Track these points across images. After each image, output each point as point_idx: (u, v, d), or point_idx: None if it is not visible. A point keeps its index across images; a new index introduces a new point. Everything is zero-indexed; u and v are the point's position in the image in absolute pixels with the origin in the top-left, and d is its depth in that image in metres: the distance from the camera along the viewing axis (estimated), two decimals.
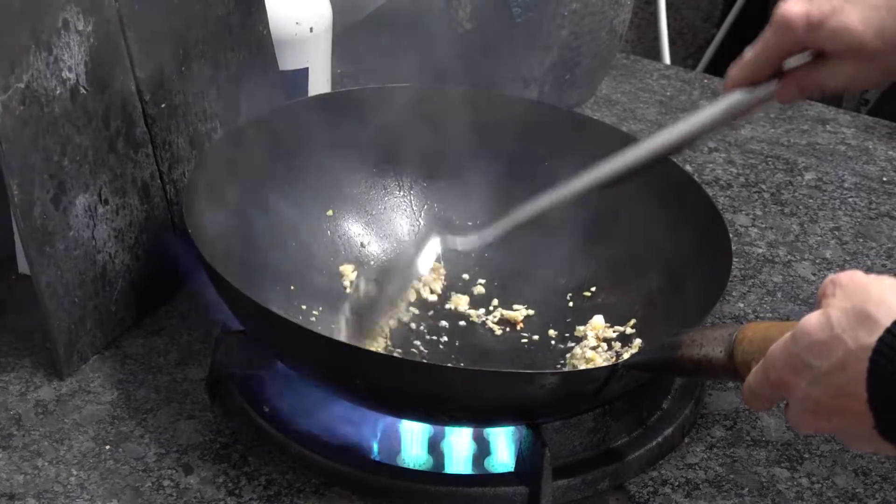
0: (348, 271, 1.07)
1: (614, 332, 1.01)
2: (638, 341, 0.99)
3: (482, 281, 1.08)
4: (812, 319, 0.69)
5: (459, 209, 1.12)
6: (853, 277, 0.70)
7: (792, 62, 0.85)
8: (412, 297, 1.05)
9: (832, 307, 0.69)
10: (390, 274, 1.02)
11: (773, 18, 0.83)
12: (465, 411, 0.90)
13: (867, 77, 0.84)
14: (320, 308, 1.03)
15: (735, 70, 0.86)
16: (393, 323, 1.01)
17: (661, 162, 0.92)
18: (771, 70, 0.85)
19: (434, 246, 0.99)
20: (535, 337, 1.03)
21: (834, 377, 0.68)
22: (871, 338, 0.66)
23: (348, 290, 1.05)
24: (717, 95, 1.44)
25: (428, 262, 1.00)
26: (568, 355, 1.00)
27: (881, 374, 0.66)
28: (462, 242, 1.00)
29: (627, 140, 1.10)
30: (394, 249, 1.10)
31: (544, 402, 0.87)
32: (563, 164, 1.07)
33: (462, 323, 1.04)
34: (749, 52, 0.86)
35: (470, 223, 1.11)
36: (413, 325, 1.03)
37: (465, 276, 1.08)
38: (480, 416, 0.91)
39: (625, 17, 1.34)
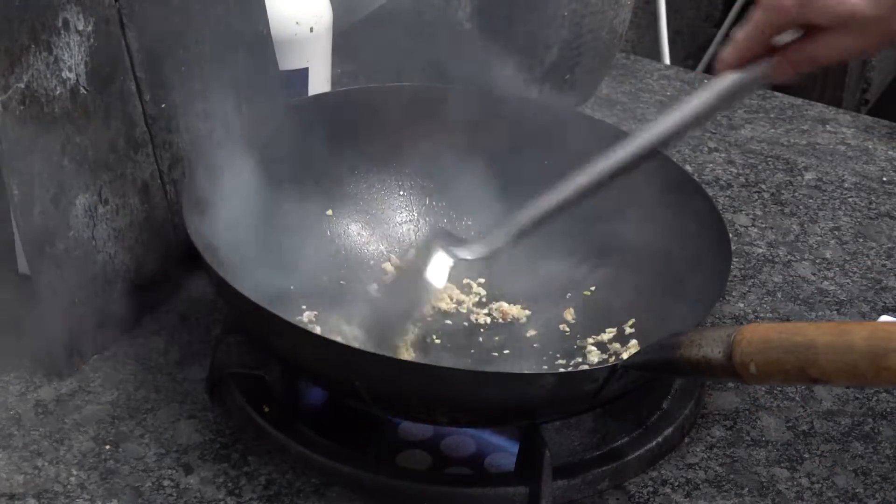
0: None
1: (613, 332, 1.01)
2: (635, 342, 0.99)
3: (481, 280, 1.08)
4: None
5: (459, 208, 1.12)
6: None
7: (783, 38, 0.84)
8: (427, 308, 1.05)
9: None
10: (404, 291, 1.01)
11: None
12: (464, 412, 0.90)
13: (862, 47, 0.82)
14: (320, 308, 1.03)
15: (727, 52, 0.86)
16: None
17: (660, 151, 0.92)
18: (762, 49, 0.84)
19: (442, 260, 0.98)
20: (535, 337, 1.03)
21: None
22: None
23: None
24: None
25: (440, 275, 0.98)
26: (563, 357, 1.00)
27: None
28: (470, 252, 0.98)
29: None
30: (396, 256, 1.09)
31: (544, 403, 0.87)
32: (563, 164, 1.07)
33: (464, 323, 1.04)
34: (740, 33, 0.85)
35: (470, 222, 1.11)
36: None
37: (465, 279, 1.08)
38: (480, 416, 0.91)
39: (625, 17, 1.34)
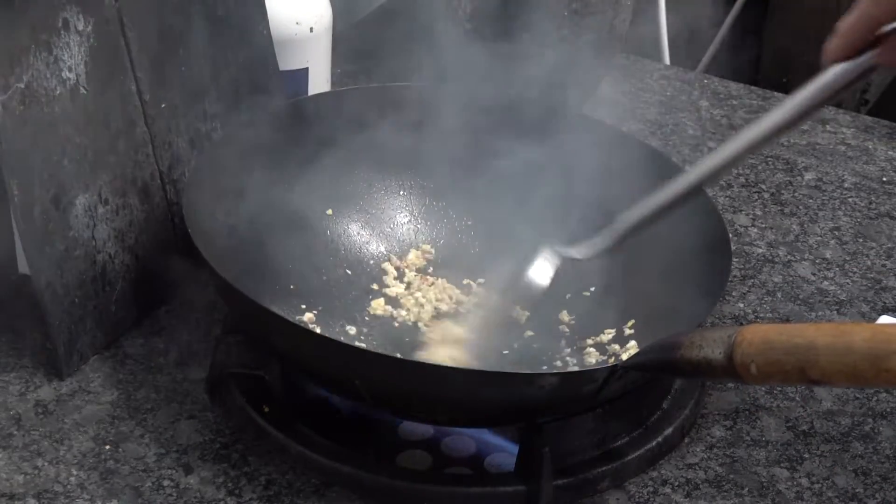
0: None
1: (612, 333, 1.01)
2: (634, 343, 0.99)
3: (481, 281, 1.08)
4: None
5: (459, 209, 1.12)
6: None
7: (888, 27, 0.84)
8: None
9: None
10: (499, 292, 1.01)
11: None
12: (463, 411, 0.90)
13: None
14: (320, 308, 1.03)
15: (832, 44, 0.84)
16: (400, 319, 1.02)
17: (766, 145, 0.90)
18: (869, 38, 0.84)
19: (548, 257, 0.98)
20: (534, 337, 1.03)
21: None
22: None
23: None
24: (717, 95, 1.44)
25: (545, 273, 0.98)
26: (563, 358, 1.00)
27: None
28: (576, 251, 0.98)
29: (630, 140, 1.11)
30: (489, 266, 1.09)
31: (543, 403, 0.87)
32: (565, 163, 1.07)
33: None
34: (844, 24, 0.84)
35: (471, 222, 1.11)
36: (418, 324, 1.04)
37: (466, 280, 1.08)
38: (479, 416, 0.91)
39: (625, 17, 1.34)
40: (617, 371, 0.85)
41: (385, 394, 0.89)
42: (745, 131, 0.90)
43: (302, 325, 0.98)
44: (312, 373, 0.93)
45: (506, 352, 1.01)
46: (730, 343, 0.78)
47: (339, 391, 0.93)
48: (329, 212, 1.09)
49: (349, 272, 1.07)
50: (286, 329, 0.88)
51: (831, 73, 0.86)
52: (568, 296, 1.05)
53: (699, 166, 0.93)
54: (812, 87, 0.87)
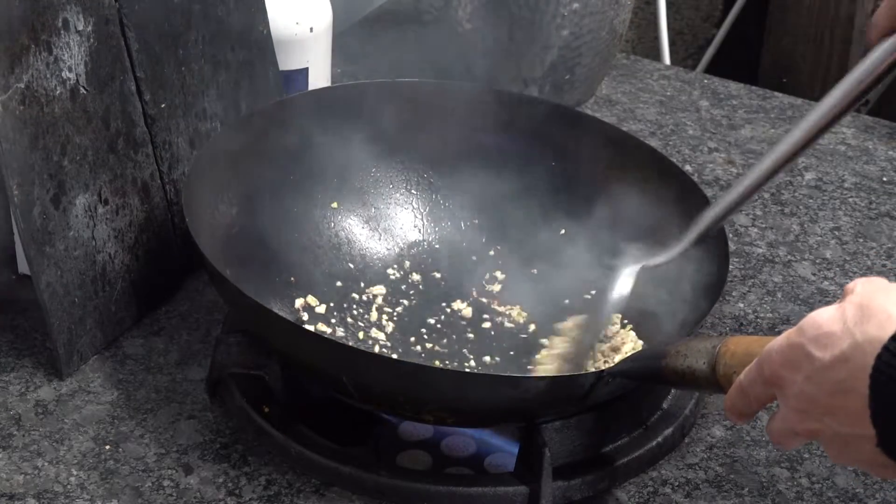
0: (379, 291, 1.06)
1: (610, 334, 1.01)
2: (631, 345, 0.98)
3: (487, 284, 1.08)
4: (824, 312, 0.67)
5: (467, 206, 1.12)
6: (877, 280, 0.68)
7: None
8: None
9: (848, 302, 0.67)
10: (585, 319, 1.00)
11: None
12: (450, 411, 0.89)
13: None
14: (317, 301, 1.03)
15: (880, 17, 0.82)
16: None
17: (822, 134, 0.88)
18: None
19: (629, 274, 0.96)
20: (532, 339, 1.03)
21: (834, 371, 0.66)
22: (881, 332, 0.64)
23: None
24: (717, 95, 1.44)
25: (624, 290, 0.96)
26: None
27: (886, 370, 0.64)
28: (654, 260, 0.96)
29: (630, 139, 1.10)
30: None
31: (530, 406, 0.87)
32: (567, 162, 1.07)
33: (462, 323, 1.04)
34: None
35: (477, 221, 1.11)
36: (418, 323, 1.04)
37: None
38: (467, 416, 0.91)
39: (625, 17, 1.34)
40: (603, 377, 0.85)
41: (371, 391, 0.89)
42: (795, 130, 0.88)
43: (293, 312, 0.98)
44: (303, 367, 0.93)
45: (512, 352, 1.01)
46: (713, 354, 0.78)
47: (329, 387, 0.93)
48: (334, 204, 1.09)
49: (351, 266, 1.07)
50: (275, 322, 0.88)
51: (883, 46, 0.82)
52: (566, 301, 1.05)
53: (768, 157, 0.90)
54: (867, 64, 0.83)
